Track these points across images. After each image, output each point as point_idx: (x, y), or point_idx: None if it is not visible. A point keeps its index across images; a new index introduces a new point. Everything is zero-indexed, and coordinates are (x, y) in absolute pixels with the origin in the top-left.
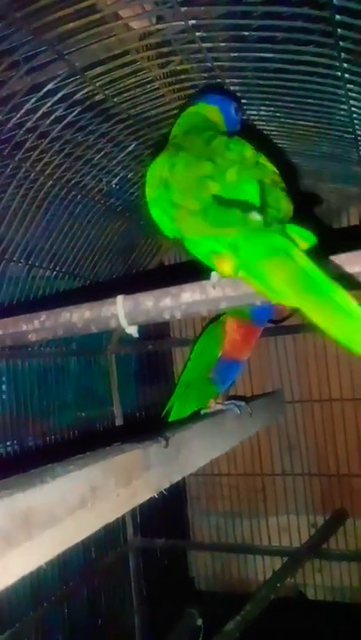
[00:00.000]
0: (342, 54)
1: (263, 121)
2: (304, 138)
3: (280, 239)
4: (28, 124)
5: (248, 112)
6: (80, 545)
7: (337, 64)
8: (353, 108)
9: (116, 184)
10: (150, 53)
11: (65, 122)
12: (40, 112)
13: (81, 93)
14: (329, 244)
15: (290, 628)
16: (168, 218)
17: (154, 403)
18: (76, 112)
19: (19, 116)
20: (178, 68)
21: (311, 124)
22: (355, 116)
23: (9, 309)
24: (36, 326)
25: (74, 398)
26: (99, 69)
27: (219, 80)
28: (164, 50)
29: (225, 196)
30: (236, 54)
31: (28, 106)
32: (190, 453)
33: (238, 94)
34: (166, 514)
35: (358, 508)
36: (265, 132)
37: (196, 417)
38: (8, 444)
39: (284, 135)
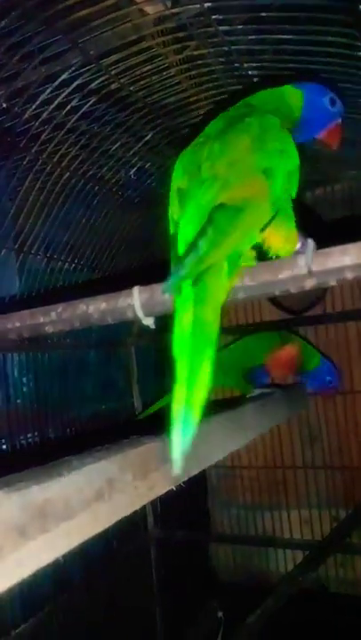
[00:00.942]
0: None
1: None
2: None
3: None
4: (44, 116)
5: None
6: (102, 535)
7: (359, 44)
8: None
9: (133, 175)
10: (166, 39)
11: (80, 112)
12: (55, 103)
13: (96, 82)
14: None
15: (311, 621)
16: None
17: None
18: (91, 102)
19: (34, 107)
20: (194, 53)
21: None
22: None
23: (28, 302)
24: (52, 318)
25: (94, 390)
26: (113, 57)
27: (236, 64)
28: (180, 35)
29: (176, 231)
30: (254, 37)
31: (43, 97)
32: (209, 446)
33: (256, 79)
34: (187, 505)
35: None
36: None
37: (215, 410)
38: (29, 435)
39: None
